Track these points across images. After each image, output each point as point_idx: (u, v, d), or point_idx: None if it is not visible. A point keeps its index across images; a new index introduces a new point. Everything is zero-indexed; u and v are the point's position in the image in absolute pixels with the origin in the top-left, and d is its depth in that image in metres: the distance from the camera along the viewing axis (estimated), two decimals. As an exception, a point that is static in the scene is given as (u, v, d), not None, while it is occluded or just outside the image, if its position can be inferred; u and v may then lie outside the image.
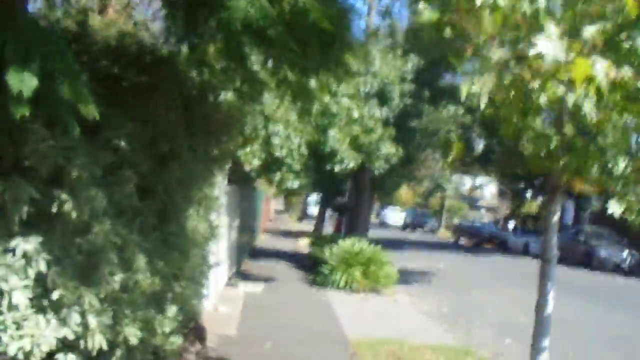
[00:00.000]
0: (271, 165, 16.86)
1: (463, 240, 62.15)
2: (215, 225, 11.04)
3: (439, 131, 34.13)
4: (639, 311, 23.47)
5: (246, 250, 27.06)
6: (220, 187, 12.77)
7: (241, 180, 19.58)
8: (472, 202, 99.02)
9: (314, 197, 74.80)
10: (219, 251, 15.37)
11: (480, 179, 78.23)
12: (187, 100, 9.04)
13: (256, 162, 15.35)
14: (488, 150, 50.70)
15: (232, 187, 18.77)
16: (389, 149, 21.42)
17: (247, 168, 15.39)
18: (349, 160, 19.05)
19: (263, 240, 41.39)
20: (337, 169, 19.20)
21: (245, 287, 20.36)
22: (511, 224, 71.06)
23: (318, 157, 20.04)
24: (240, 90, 9.97)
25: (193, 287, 9.68)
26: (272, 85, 9.76)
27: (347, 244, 23.49)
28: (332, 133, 18.26)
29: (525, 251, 48.80)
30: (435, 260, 37.47)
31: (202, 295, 10.78)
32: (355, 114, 19.31)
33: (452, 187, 74.42)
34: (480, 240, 58.56)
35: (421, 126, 28.99)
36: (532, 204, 63.15)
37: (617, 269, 38.99)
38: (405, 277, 24.84)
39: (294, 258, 31.28)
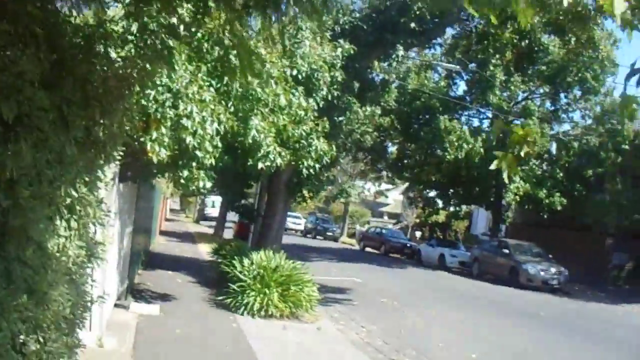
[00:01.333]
0: (179, 158, 12.96)
1: (369, 249, 58.66)
2: (98, 243, 7.41)
3: (352, 132, 30.80)
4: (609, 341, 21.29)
5: (140, 259, 23.02)
6: (108, 185, 9.04)
7: (139, 177, 15.63)
8: (374, 208, 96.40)
9: (212, 198, 71.72)
10: (107, 268, 11.61)
11: (385, 185, 75.19)
12: (60, 49, 5.81)
13: (163, 153, 11.41)
14: (403, 155, 47.76)
15: (127, 185, 15.17)
16: (322, 146, 17.66)
17: (153, 160, 11.42)
18: (275, 157, 15.15)
19: (160, 245, 37.20)
20: (260, 165, 15.26)
21: (138, 308, 16.37)
22: (418, 233, 68.57)
23: (234, 151, 16.16)
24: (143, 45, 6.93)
25: (62, 338, 6.14)
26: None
27: (261, 257, 19.71)
28: (256, 121, 14.32)
29: (441, 264, 46.06)
30: (348, 272, 34.61)
31: (77, 346, 6.91)
32: (283, 101, 15.45)
33: (356, 193, 71.13)
34: (389, 249, 54.96)
35: (348, 123, 25.42)
36: (441, 214, 60.49)
37: (545, 286, 36.39)
38: (324, 294, 21.13)
39: (195, 268, 27.47)
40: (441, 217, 65.09)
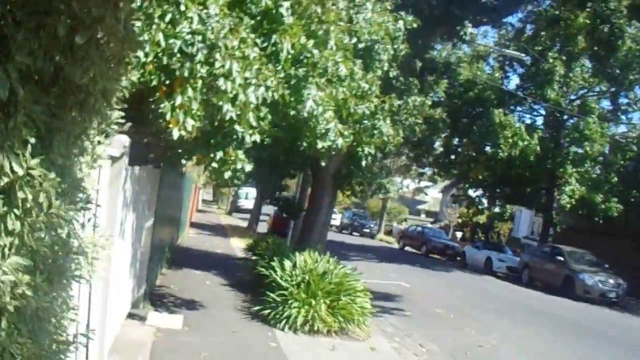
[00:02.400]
0: (213, 134, 9.82)
1: (409, 248, 55.74)
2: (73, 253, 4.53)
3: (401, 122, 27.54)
4: None
5: (164, 256, 19.96)
6: (104, 163, 6.04)
7: (161, 160, 12.46)
8: (411, 205, 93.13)
9: (246, 189, 69.31)
10: (116, 274, 8.66)
11: (424, 182, 71.95)
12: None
13: (190, 125, 8.26)
14: (450, 151, 44.36)
15: (145, 169, 12.33)
16: (387, 129, 14.46)
17: (174, 135, 8.24)
18: (337, 136, 11.91)
19: (189, 238, 34.10)
20: (320, 145, 12.00)
21: (157, 320, 13.17)
22: (458, 234, 65.22)
23: (283, 128, 12.88)
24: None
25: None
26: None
27: (305, 259, 16.57)
28: (312, 91, 11.11)
29: (487, 268, 42.97)
30: (392, 274, 31.48)
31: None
32: (344, 70, 12.23)
33: (395, 189, 67.83)
34: (430, 250, 51.70)
35: (404, 109, 22.13)
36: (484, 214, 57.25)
37: (603, 299, 32.94)
38: (372, 301, 17.74)
39: (227, 267, 24.37)
40: (482, 218, 61.87)
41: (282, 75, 10.85)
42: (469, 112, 41.07)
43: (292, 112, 11.52)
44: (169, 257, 21.08)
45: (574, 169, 38.74)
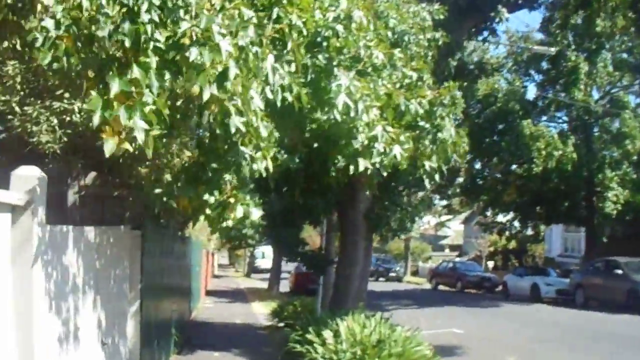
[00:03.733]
0: (200, 166, 6.07)
1: (442, 286, 51.49)
2: None
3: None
4: None
5: (172, 339, 15.93)
6: None
7: (137, 216, 8.64)
8: (433, 242, 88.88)
9: (262, 248, 66.17)
10: None
11: (445, 216, 67.83)
12: None
13: (141, 130, 4.38)
14: (475, 176, 40.41)
15: (117, 233, 8.75)
16: (451, 132, 10.52)
17: (107, 148, 4.36)
18: (390, 145, 7.91)
19: (205, 309, 30.01)
20: (361, 166, 8.02)
21: None
22: (490, 263, 61.05)
23: (300, 150, 8.91)
24: None
25: None
26: None
27: (350, 326, 12.60)
28: (343, 80, 7.12)
29: (534, 295, 38.67)
30: (438, 320, 27.46)
31: None
32: (380, 56, 8.29)
33: (417, 227, 63.67)
34: (465, 285, 47.76)
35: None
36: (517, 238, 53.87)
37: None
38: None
39: (250, 340, 20.35)
40: (512, 243, 57.80)
41: (292, 67, 7.01)
42: (492, 130, 37.02)
43: (314, 121, 7.62)
44: (178, 339, 17.02)
45: (613, 173, 34.95)
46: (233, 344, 19.10)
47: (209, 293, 40.48)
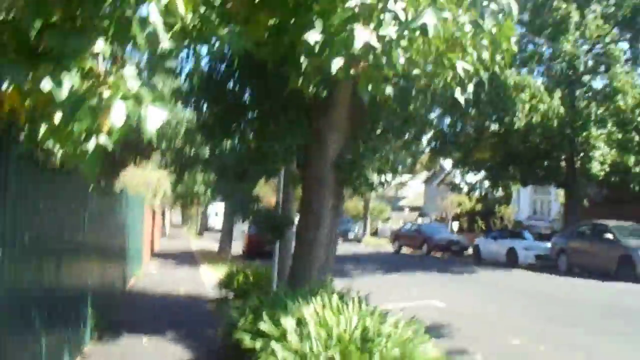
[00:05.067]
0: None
1: (407, 249, 48.70)
2: None
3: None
4: None
5: (86, 321, 12.03)
6: None
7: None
8: (392, 202, 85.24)
9: (215, 207, 63.89)
10: None
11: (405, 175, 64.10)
12: None
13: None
14: (445, 132, 36.47)
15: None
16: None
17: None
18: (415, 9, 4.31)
19: (147, 275, 26.08)
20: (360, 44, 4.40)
21: None
22: (455, 225, 57.57)
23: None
24: None
25: None
26: None
27: (319, 312, 8.90)
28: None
29: (511, 260, 35.82)
30: (413, 289, 24.06)
31: None
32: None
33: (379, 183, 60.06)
34: (432, 248, 44.38)
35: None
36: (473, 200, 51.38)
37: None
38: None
39: (193, 319, 16.34)
40: (472, 204, 54.30)
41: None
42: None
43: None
44: (99, 320, 13.13)
45: (599, 131, 31.52)
46: (170, 323, 15.25)
47: (156, 255, 36.83)
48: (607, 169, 31.85)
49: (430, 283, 26.84)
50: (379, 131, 13.48)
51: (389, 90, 11.00)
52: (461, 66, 7.12)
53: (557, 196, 49.58)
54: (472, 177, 43.40)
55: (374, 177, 13.32)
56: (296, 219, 15.30)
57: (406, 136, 14.24)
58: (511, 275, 31.21)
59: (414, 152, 16.06)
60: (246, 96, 13.97)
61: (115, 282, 17.66)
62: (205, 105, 14.28)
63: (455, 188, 46.51)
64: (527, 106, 30.09)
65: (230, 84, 13.86)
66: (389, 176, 13.71)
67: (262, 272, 18.63)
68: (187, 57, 13.92)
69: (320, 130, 12.85)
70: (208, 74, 13.77)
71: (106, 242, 15.25)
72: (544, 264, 33.67)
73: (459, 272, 32.23)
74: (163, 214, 53.48)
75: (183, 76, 13.93)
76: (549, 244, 34.61)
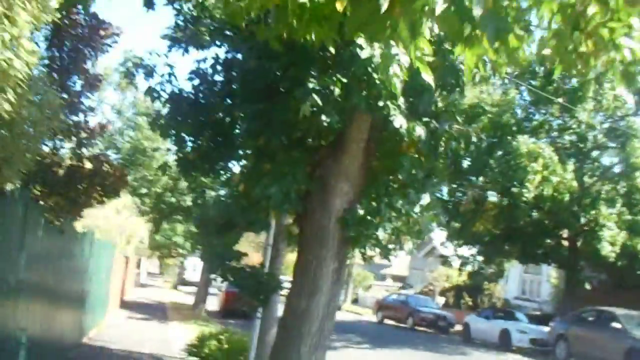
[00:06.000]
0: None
1: (389, 321, 45.40)
2: None
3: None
4: None
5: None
6: None
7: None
8: (374, 270, 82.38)
9: (193, 261, 62.72)
10: None
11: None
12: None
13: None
14: (445, 201, 33.93)
15: None
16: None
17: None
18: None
19: (110, 327, 23.32)
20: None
21: None
22: (441, 300, 54.60)
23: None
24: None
25: None
26: None
27: None
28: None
29: (503, 342, 32.65)
30: None
31: None
32: None
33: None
34: (418, 322, 41.40)
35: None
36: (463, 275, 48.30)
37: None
38: None
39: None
40: (462, 280, 51.56)
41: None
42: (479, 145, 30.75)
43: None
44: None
45: (608, 210, 29.09)
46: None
47: (125, 305, 34.05)
48: (617, 251, 29.31)
49: None
50: (395, 185, 10.82)
51: (419, 131, 8.77)
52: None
53: (549, 276, 46.76)
54: (466, 251, 40.65)
55: (386, 239, 10.74)
56: (286, 283, 12.64)
57: (427, 193, 11.44)
58: (506, 359, 28.40)
59: (438, 214, 13.16)
60: (239, 128, 11.34)
61: (65, 332, 14.95)
62: (186, 137, 11.59)
63: (446, 261, 43.86)
64: (537, 177, 27.64)
65: (220, 112, 11.30)
66: (408, 240, 11.10)
67: (239, 339, 15.97)
68: (169, 76, 11.44)
69: (327, 177, 10.38)
70: (192, 98, 11.25)
71: (56, 286, 12.58)
72: (540, 350, 30.95)
73: (450, 352, 29.37)
74: (138, 262, 51.08)
75: (162, 100, 11.38)
76: (544, 328, 31.88)
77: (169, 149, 39.55)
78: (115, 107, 37.95)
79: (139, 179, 34.96)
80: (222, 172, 11.87)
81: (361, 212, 10.27)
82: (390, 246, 11.01)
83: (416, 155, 10.11)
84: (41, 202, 13.39)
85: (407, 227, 10.66)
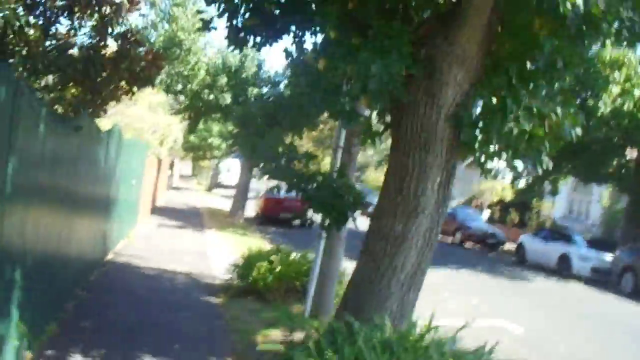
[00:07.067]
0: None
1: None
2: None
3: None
4: None
5: (18, 326, 6.91)
6: None
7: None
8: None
9: (228, 162, 62.45)
10: None
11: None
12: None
13: None
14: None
15: None
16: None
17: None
18: None
19: (139, 237, 20.82)
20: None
21: None
22: (486, 214, 51.72)
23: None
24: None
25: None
26: None
27: None
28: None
29: (563, 269, 29.57)
30: (467, 295, 18.84)
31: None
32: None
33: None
34: (466, 238, 39.64)
35: None
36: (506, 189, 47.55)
37: None
38: None
39: (193, 330, 10.57)
40: (508, 194, 48.64)
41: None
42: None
43: None
44: (41, 319, 7.77)
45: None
46: (155, 330, 9.87)
47: (157, 211, 31.70)
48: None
49: (484, 289, 21.51)
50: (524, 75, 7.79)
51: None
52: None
53: (600, 197, 43.71)
54: (520, 163, 37.71)
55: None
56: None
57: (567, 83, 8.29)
58: (574, 290, 25.50)
59: (577, 113, 9.75)
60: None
61: (86, 248, 12.25)
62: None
63: (493, 174, 40.87)
64: (617, 88, 24.47)
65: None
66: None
67: (293, 262, 13.15)
68: None
69: (436, 60, 7.47)
70: None
71: (70, 194, 9.77)
72: (601, 279, 27.97)
73: (510, 276, 26.71)
74: (171, 164, 48.71)
75: None
76: (605, 255, 29.02)
77: (206, 43, 37.27)
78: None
79: (174, 74, 32.48)
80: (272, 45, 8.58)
81: (478, 108, 7.64)
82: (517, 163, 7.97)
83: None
84: (52, 95, 10.57)
85: (541, 131, 7.57)
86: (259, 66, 33.71)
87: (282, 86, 32.57)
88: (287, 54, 8.47)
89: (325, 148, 43.20)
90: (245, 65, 32.71)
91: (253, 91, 31.53)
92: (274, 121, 25.69)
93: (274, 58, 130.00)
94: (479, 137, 7.39)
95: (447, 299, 16.74)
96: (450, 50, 7.35)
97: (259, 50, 8.73)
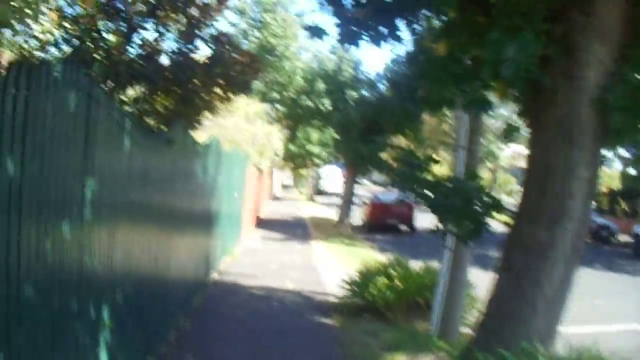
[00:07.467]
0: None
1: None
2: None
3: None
4: None
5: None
6: None
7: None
8: (515, 174, 77.85)
9: (327, 169, 61.97)
10: None
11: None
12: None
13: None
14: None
15: None
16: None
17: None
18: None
19: (244, 254, 20.05)
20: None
21: None
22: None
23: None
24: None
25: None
26: None
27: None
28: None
29: None
30: (586, 293, 16.20)
31: None
32: None
33: (504, 155, 54.47)
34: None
35: None
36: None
37: None
38: None
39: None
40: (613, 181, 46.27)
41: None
42: None
43: None
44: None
45: None
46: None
47: (260, 223, 30.87)
48: None
49: (607, 288, 19.48)
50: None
51: None
52: None
53: None
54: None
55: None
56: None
57: None
58: None
59: None
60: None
61: (187, 271, 11.32)
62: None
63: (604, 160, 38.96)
64: None
65: None
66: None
67: (414, 274, 11.93)
68: None
69: (574, 37, 6.29)
70: None
71: (165, 211, 8.81)
72: None
73: (631, 272, 24.51)
74: (272, 174, 48.30)
75: None
76: None
77: (300, 48, 36.66)
78: (237, 8, 34.42)
79: (270, 82, 31.83)
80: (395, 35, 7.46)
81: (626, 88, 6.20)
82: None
83: None
84: (144, 107, 9.70)
85: None
86: (356, 68, 32.84)
87: (381, 87, 31.73)
88: (398, 39, 7.33)
89: (425, 149, 42.30)
90: (342, 68, 31.91)
91: (352, 95, 30.67)
92: (376, 126, 24.70)
93: (371, 59, 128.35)
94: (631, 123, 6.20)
95: (567, 302, 15.28)
96: (587, 24, 6.15)
97: (378, 44, 7.52)
